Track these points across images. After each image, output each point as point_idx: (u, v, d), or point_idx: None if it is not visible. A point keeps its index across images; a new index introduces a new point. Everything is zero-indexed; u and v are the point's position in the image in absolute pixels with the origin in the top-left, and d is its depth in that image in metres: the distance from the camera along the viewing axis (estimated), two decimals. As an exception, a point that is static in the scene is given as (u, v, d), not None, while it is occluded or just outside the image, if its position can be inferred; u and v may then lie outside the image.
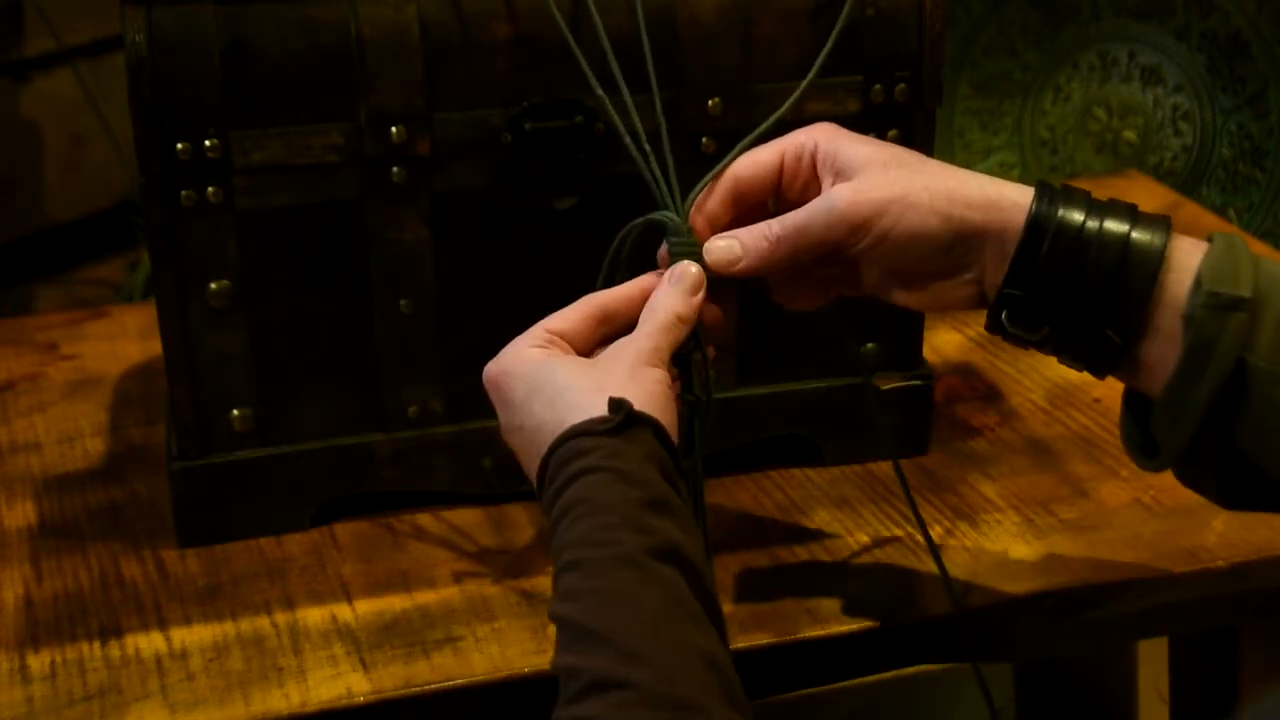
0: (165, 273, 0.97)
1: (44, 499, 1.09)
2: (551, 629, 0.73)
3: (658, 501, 0.75)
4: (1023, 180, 0.84)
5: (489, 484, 1.06)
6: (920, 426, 1.12)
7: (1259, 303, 0.77)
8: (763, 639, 0.94)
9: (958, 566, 0.99)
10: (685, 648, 0.70)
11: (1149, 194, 1.50)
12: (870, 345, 1.09)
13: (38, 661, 0.93)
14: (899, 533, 1.03)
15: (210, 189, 0.96)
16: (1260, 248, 1.36)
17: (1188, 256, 0.79)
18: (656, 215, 0.88)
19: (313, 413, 1.02)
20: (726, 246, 0.86)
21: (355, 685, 0.90)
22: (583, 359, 0.83)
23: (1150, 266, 0.79)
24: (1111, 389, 0.86)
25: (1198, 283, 0.78)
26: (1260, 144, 1.71)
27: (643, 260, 0.88)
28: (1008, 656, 1.35)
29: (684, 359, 0.86)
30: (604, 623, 0.70)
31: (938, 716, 1.79)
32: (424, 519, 1.05)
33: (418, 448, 1.04)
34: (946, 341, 1.27)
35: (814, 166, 0.86)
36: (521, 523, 1.05)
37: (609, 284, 0.88)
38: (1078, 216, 0.81)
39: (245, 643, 0.94)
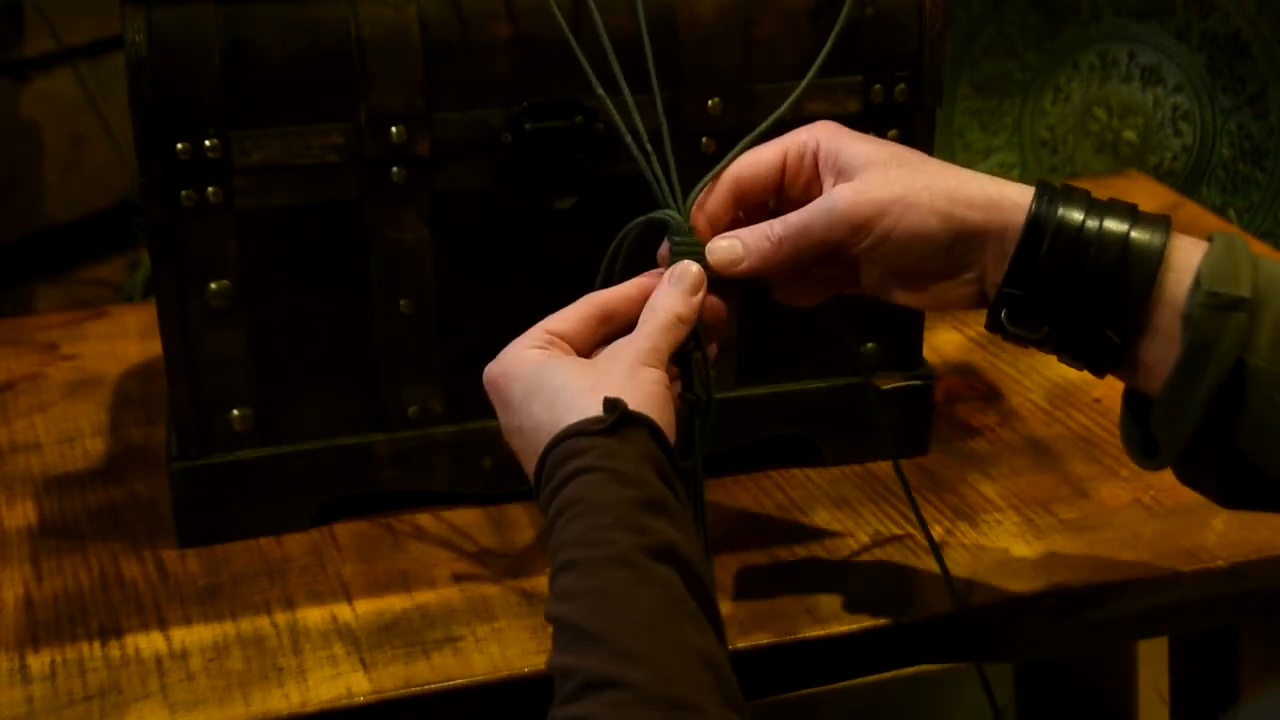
0: (165, 273, 0.97)
1: (44, 499, 1.09)
2: (551, 629, 0.73)
3: (653, 501, 0.75)
4: (1023, 180, 0.84)
5: (489, 484, 1.06)
6: (920, 426, 1.12)
7: (1258, 302, 0.77)
8: (763, 639, 0.94)
9: (958, 566, 0.99)
10: (681, 647, 0.70)
11: (1149, 194, 1.50)
12: (870, 345, 1.09)
13: (38, 661, 0.93)
14: (899, 532, 1.03)
15: (210, 189, 0.96)
16: (1260, 248, 1.36)
17: (1187, 256, 0.79)
18: (658, 214, 0.88)
19: (313, 413, 1.02)
20: (729, 247, 0.86)
21: (355, 685, 0.90)
22: (582, 359, 0.83)
23: (1150, 266, 0.79)
24: (1111, 389, 0.86)
25: (1197, 282, 0.78)
26: (1260, 144, 1.71)
27: (642, 259, 0.88)
28: (1008, 656, 1.35)
29: (684, 358, 0.86)
30: (599, 622, 0.70)
31: (938, 716, 1.79)
32: (424, 519, 1.05)
33: (418, 448, 1.04)
34: (946, 341, 1.27)
35: (816, 165, 0.86)
36: (521, 523, 1.05)
37: (608, 284, 0.88)
38: (1077, 216, 0.81)
39: (245, 643, 0.94)
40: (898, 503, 1.06)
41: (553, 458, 0.78)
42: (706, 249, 0.86)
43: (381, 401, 1.03)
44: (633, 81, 0.92)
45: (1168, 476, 0.84)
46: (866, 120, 1.02)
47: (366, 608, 0.97)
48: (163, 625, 0.96)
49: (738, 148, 0.88)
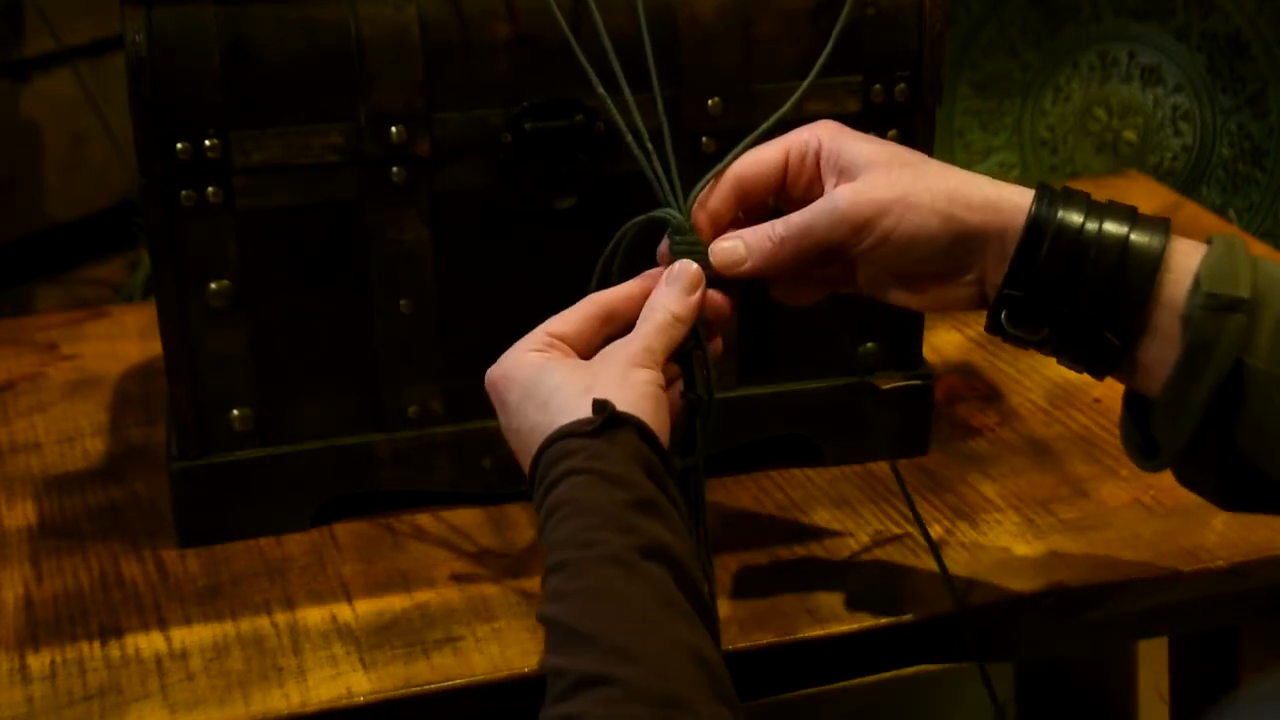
0: (165, 273, 0.97)
1: (44, 499, 1.09)
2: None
3: (643, 502, 0.75)
4: (1023, 180, 0.84)
5: (489, 484, 1.06)
6: (920, 426, 1.12)
7: (1257, 304, 0.77)
8: (763, 639, 0.94)
9: (958, 566, 0.99)
10: (673, 644, 0.70)
11: (1149, 194, 1.50)
12: (870, 345, 1.09)
13: (38, 661, 0.93)
14: (899, 532, 1.03)
15: (210, 189, 0.96)
16: (1260, 248, 1.36)
17: (1186, 258, 0.79)
18: (658, 213, 0.88)
19: (313, 413, 1.02)
20: (731, 248, 0.86)
21: (355, 685, 0.90)
22: (578, 362, 0.83)
23: (1149, 268, 0.79)
24: (1112, 389, 0.86)
25: (1196, 284, 0.78)
26: (1260, 144, 1.71)
27: (642, 259, 0.88)
28: (1008, 656, 1.35)
29: (685, 357, 0.86)
30: (590, 622, 0.70)
31: (938, 716, 1.79)
32: (424, 519, 1.05)
33: (418, 448, 1.04)
34: (946, 341, 1.27)
35: (817, 165, 0.86)
36: (521, 523, 1.05)
37: (604, 284, 0.88)
38: (1077, 218, 0.81)
39: (245, 643, 0.94)
40: (898, 502, 1.06)
41: (545, 459, 0.78)
42: (709, 250, 0.86)
43: (381, 401, 1.03)
44: (633, 81, 0.92)
45: (1168, 476, 0.84)
46: (866, 120, 1.02)
47: (366, 608, 0.97)
48: (163, 625, 0.96)
49: (739, 147, 0.88)
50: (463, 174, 0.99)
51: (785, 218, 0.85)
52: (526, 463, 0.81)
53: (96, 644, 0.94)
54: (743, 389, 1.08)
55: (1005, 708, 1.60)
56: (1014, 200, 0.82)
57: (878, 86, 1.03)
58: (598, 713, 0.67)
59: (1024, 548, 1.02)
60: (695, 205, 0.87)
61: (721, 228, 0.88)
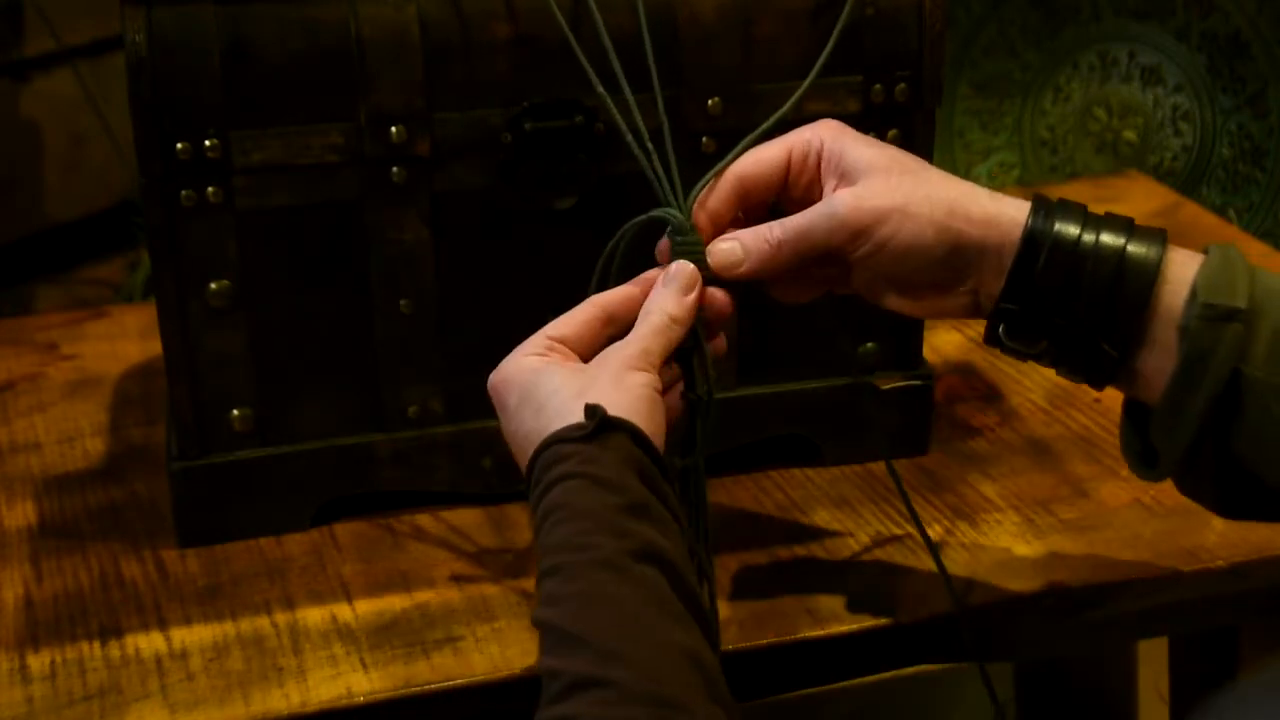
0: (165, 273, 0.97)
1: (44, 499, 1.09)
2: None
3: (636, 506, 0.75)
4: (1023, 181, 0.84)
5: (489, 484, 1.06)
6: (920, 426, 1.12)
7: (1254, 314, 0.77)
8: (763, 639, 0.94)
9: (957, 566, 0.99)
10: (666, 646, 0.70)
11: (1149, 194, 1.50)
12: (870, 345, 1.09)
13: (38, 661, 0.93)
14: (899, 532, 1.03)
15: (210, 189, 0.96)
16: (1260, 248, 1.36)
17: (1183, 269, 0.79)
18: (658, 212, 0.87)
19: (313, 413, 1.02)
20: (729, 249, 0.86)
21: (355, 685, 0.90)
22: (575, 365, 0.83)
23: (1146, 279, 0.79)
24: (1112, 389, 0.86)
25: (1193, 294, 0.78)
26: (1260, 144, 1.71)
27: (641, 260, 0.88)
28: (1008, 656, 1.35)
29: (685, 356, 0.86)
30: (584, 625, 0.70)
31: (938, 716, 1.79)
32: (424, 519, 1.05)
33: (418, 448, 1.04)
34: (946, 341, 1.27)
35: (818, 166, 0.86)
36: (521, 523, 1.05)
37: (603, 284, 0.88)
38: (1073, 230, 0.81)
39: (245, 643, 0.94)
40: (898, 503, 1.05)
41: (540, 463, 0.78)
42: (707, 251, 0.86)
43: (381, 401, 1.03)
44: (633, 81, 0.92)
45: (1167, 476, 0.85)
46: (866, 120, 1.02)
47: (366, 608, 0.97)
48: (163, 625, 0.96)
49: (740, 146, 0.88)
50: (463, 174, 0.99)
51: (783, 220, 0.85)
52: (524, 466, 0.81)
53: (96, 644, 0.94)
54: (743, 389, 1.08)
55: (1005, 708, 1.60)
56: (1011, 215, 0.82)
57: (878, 86, 1.03)
58: (592, 714, 0.67)
59: (1024, 548, 1.02)
60: (695, 205, 0.87)
61: (722, 228, 0.87)
